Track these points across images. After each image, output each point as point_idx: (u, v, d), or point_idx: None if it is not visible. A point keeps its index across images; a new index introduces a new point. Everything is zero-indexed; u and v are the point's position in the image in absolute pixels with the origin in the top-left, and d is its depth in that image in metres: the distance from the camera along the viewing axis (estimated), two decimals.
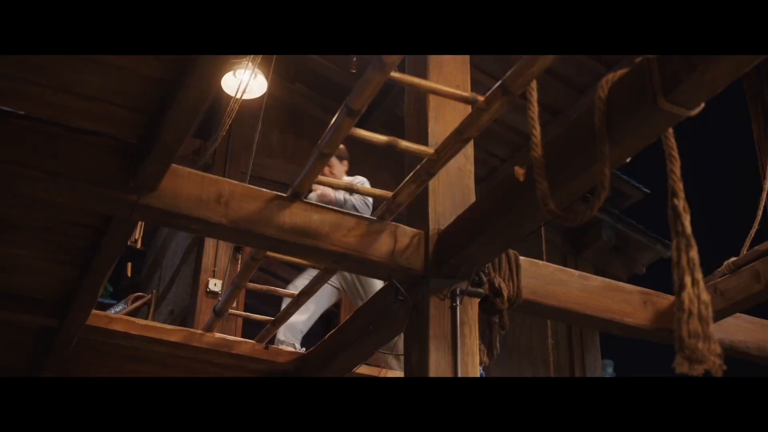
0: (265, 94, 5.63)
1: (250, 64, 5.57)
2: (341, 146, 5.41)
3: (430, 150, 2.91)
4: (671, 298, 3.65)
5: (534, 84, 2.54)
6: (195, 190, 2.87)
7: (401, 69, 3.74)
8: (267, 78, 5.47)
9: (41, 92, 2.53)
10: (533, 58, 2.40)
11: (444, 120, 3.45)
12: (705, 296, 2.05)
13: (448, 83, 3.50)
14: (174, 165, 2.80)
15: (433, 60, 3.53)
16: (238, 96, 5.73)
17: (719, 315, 3.61)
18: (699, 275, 2.08)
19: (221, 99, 6.85)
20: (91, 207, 2.89)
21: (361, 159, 7.82)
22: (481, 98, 2.66)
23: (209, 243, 6.74)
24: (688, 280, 2.06)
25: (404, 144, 2.90)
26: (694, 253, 2.10)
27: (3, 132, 2.62)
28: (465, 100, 2.74)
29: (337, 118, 2.74)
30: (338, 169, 5.64)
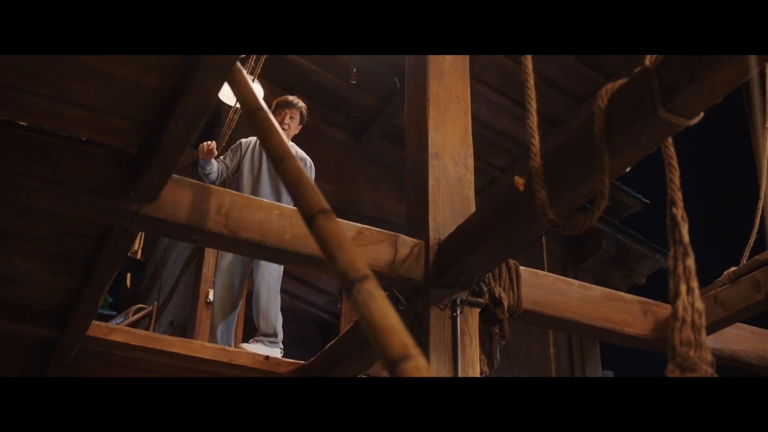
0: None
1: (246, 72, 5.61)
2: (304, 107, 5.50)
3: None
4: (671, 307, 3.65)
5: (533, 93, 2.55)
6: (196, 200, 2.88)
7: (401, 77, 3.79)
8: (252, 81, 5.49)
9: (42, 102, 2.52)
10: None
11: (444, 129, 3.46)
12: (699, 304, 2.05)
13: (448, 92, 3.52)
14: (175, 175, 2.80)
15: (433, 69, 3.55)
16: (234, 104, 5.82)
17: (719, 325, 3.61)
18: (694, 284, 2.08)
19: (221, 110, 6.89)
20: (91, 217, 2.90)
21: (362, 169, 7.86)
22: None
23: (209, 254, 6.75)
24: (683, 288, 2.07)
25: None
26: (690, 262, 2.10)
27: (3, 142, 2.63)
28: None
29: None
30: (295, 125, 5.60)
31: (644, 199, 8.50)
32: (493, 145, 7.55)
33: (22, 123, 2.64)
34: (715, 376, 1.95)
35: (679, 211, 2.13)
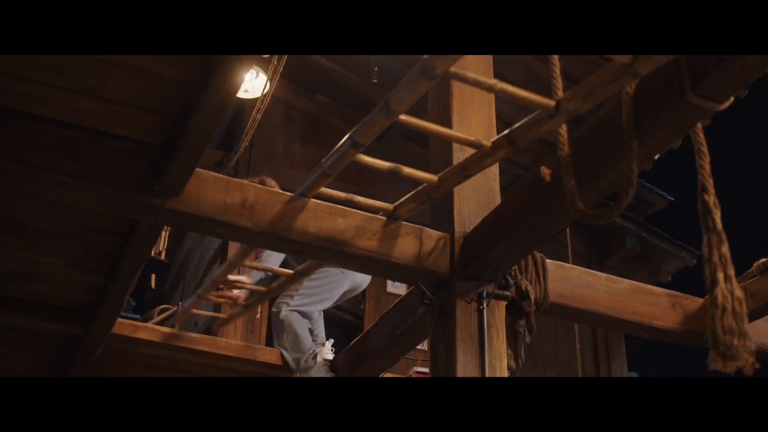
0: (268, 94, 5.58)
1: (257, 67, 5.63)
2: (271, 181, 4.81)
3: (433, 178, 2.92)
4: (700, 300, 3.61)
5: (559, 83, 2.53)
6: (220, 194, 2.87)
7: None
8: (274, 81, 5.46)
9: (66, 97, 2.53)
10: (541, 119, 2.41)
11: (468, 122, 3.43)
12: (738, 292, 2.03)
13: (472, 89, 3.49)
14: (198, 169, 2.79)
15: (456, 65, 3.51)
16: (243, 95, 5.80)
17: (749, 317, 3.55)
18: (731, 271, 2.05)
19: (243, 110, 6.90)
20: (116, 211, 2.89)
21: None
22: (487, 144, 2.68)
23: (232, 255, 6.75)
24: (720, 276, 2.04)
25: (407, 170, 2.89)
26: (725, 249, 2.07)
27: (28, 137, 2.63)
28: (471, 145, 2.76)
29: (342, 145, 2.72)
30: None
31: (668, 197, 8.42)
32: None
33: (45, 116, 2.64)
34: (757, 365, 1.92)
35: (711, 198, 2.10)
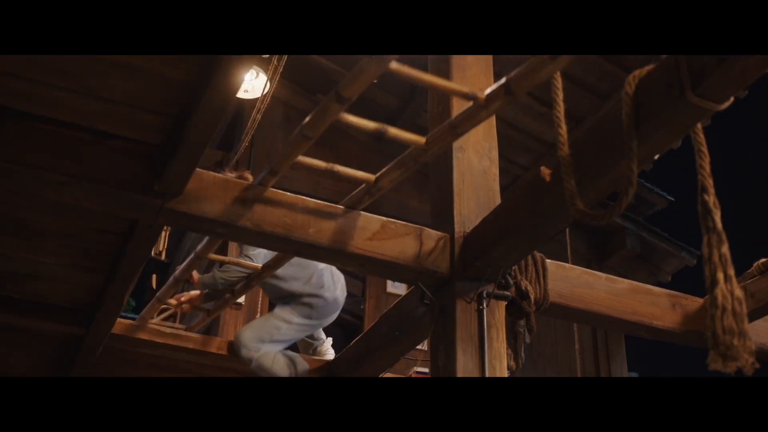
0: (268, 94, 5.57)
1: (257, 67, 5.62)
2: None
3: (421, 139, 2.75)
4: (700, 300, 3.61)
5: (559, 82, 2.52)
6: (220, 194, 2.87)
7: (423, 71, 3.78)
8: (274, 81, 5.45)
9: (66, 97, 2.53)
10: (541, 62, 2.30)
11: None
12: (738, 292, 2.02)
13: (471, 85, 3.49)
14: (198, 169, 2.79)
15: (456, 63, 3.52)
16: (243, 95, 5.80)
17: (750, 317, 3.56)
18: (731, 271, 2.05)
19: (243, 110, 6.90)
20: (116, 211, 2.89)
21: (370, 148, 7.77)
22: (481, 96, 2.51)
23: (232, 254, 6.75)
24: (720, 276, 2.04)
25: (393, 131, 2.69)
26: (725, 249, 2.07)
27: (28, 137, 2.63)
28: (465, 96, 2.55)
29: (326, 101, 2.53)
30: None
31: (668, 197, 8.43)
32: (515, 144, 7.51)
33: (46, 117, 2.64)
34: (757, 366, 1.92)
35: (711, 198, 2.10)
